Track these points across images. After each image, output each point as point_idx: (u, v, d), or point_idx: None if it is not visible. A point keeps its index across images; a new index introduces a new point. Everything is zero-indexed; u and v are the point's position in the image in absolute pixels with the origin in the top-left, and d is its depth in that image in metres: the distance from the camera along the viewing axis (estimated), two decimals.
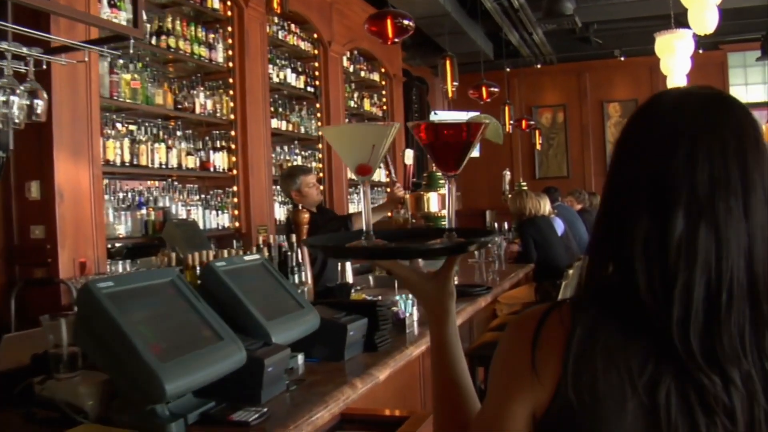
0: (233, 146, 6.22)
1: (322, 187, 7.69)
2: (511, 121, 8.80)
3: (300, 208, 2.59)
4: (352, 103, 8.71)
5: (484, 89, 7.18)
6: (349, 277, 3.96)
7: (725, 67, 12.53)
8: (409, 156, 4.55)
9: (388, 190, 4.51)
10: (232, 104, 6.23)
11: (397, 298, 2.91)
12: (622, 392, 0.93)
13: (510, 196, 6.45)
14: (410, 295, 2.99)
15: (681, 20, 8.84)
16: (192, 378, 1.63)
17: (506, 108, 8.54)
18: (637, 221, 0.97)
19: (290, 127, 7.26)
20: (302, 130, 7.53)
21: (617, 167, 1.03)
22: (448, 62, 5.27)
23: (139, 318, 1.64)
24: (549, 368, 0.97)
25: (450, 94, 5.39)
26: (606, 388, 0.94)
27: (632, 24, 11.58)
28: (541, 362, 0.97)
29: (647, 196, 0.97)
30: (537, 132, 11.82)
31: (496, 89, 7.19)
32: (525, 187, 8.02)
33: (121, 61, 5.09)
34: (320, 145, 7.75)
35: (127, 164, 5.06)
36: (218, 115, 6.11)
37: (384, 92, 9.68)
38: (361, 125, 1.36)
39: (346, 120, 8.43)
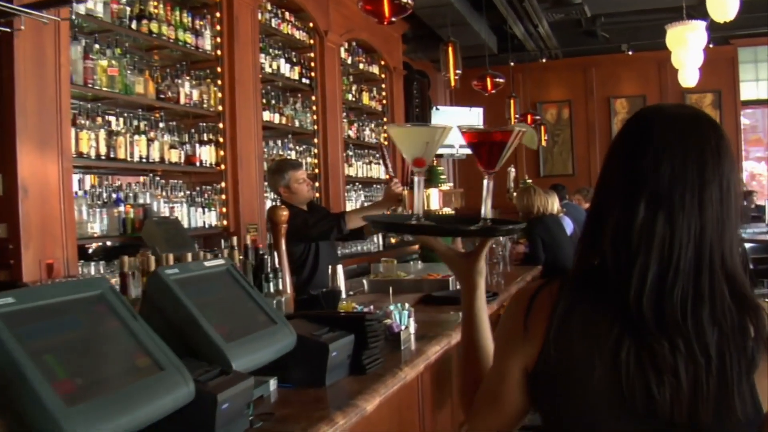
0: (221, 139, 5.83)
1: (317, 184, 7.31)
2: (517, 116, 8.39)
3: (278, 204, 2.25)
4: (349, 96, 8.32)
5: (488, 80, 6.78)
6: (341, 282, 3.58)
7: (735, 63, 12.14)
8: None
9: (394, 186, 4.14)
10: (220, 95, 5.84)
11: (392, 307, 2.53)
12: (592, 352, 1.16)
13: (516, 192, 6.06)
14: (406, 305, 2.62)
15: (692, 13, 8.51)
16: (118, 423, 1.25)
17: (511, 102, 8.13)
18: (611, 212, 1.21)
19: (284, 121, 6.87)
20: (297, 123, 7.14)
21: (603, 168, 1.31)
22: (450, 49, 4.89)
23: (46, 345, 1.26)
24: (538, 330, 1.21)
25: (452, 83, 5.00)
26: (580, 348, 1.18)
27: (640, 17, 11.19)
28: (532, 325, 1.22)
29: (620, 191, 1.21)
30: (542, 128, 11.42)
31: (501, 80, 6.80)
32: (530, 182, 7.65)
33: (97, 46, 4.71)
34: (316, 140, 7.37)
35: (103, 157, 4.68)
36: (205, 106, 5.73)
37: (384, 86, 9.28)
38: (418, 127, 1.98)
39: (343, 114, 8.05)
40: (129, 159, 4.90)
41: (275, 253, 2.35)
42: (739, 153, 12.08)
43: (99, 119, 4.77)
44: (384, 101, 9.26)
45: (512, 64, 10.93)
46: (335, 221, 4.08)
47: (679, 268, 1.14)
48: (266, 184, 6.04)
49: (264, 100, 6.57)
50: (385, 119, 9.25)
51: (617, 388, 1.14)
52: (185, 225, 5.41)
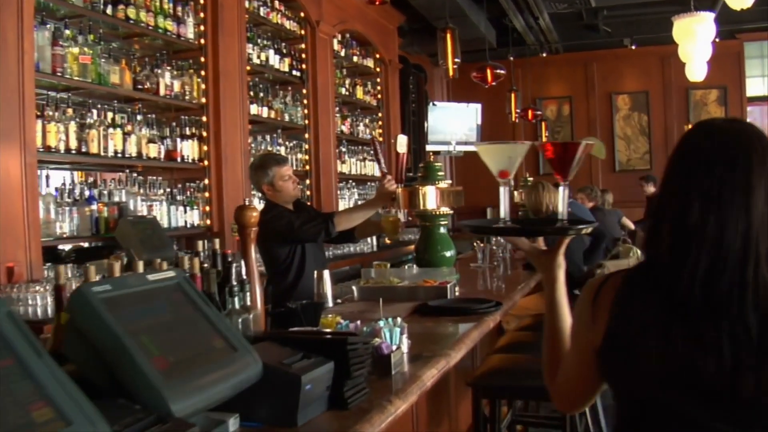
0: (204, 134, 5.49)
1: (308, 181, 6.96)
2: (517, 110, 8.02)
3: (248, 204, 1.93)
4: (343, 90, 7.97)
5: (489, 71, 6.41)
6: (328, 289, 3.24)
7: (741, 58, 11.80)
8: (401, 143, 3.83)
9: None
10: (203, 86, 5.49)
11: (381, 323, 2.18)
12: (647, 333, 1.36)
13: (525, 189, 5.68)
14: (399, 320, 2.27)
15: (698, 5, 8.17)
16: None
17: (512, 96, 7.76)
18: (669, 212, 1.40)
19: (272, 115, 6.52)
20: (287, 117, 6.79)
21: (664, 174, 1.47)
22: (448, 36, 4.54)
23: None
24: (602, 315, 1.43)
25: (451, 73, 4.66)
26: (637, 329, 1.38)
27: (643, 10, 10.86)
28: (598, 311, 1.43)
29: (677, 194, 1.40)
30: (543, 124, 11.08)
31: (502, 71, 6.43)
32: (531, 180, 7.30)
33: (67, 32, 4.36)
34: (307, 135, 7.02)
35: (74, 152, 4.33)
36: (187, 98, 5.38)
37: (379, 80, 8.94)
38: (502, 144, 1.97)
39: (336, 108, 7.71)
40: (102, 154, 4.54)
41: (242, 262, 2.00)
42: None
43: (69, 111, 4.42)
44: (379, 96, 8.92)
45: (512, 58, 10.59)
46: (323, 223, 3.73)
47: (728, 261, 1.31)
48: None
49: (251, 93, 6.23)
50: (380, 114, 8.90)
51: (667, 364, 1.33)
52: (165, 225, 5.07)
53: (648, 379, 1.36)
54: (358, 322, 2.27)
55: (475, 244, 5.73)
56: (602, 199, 8.53)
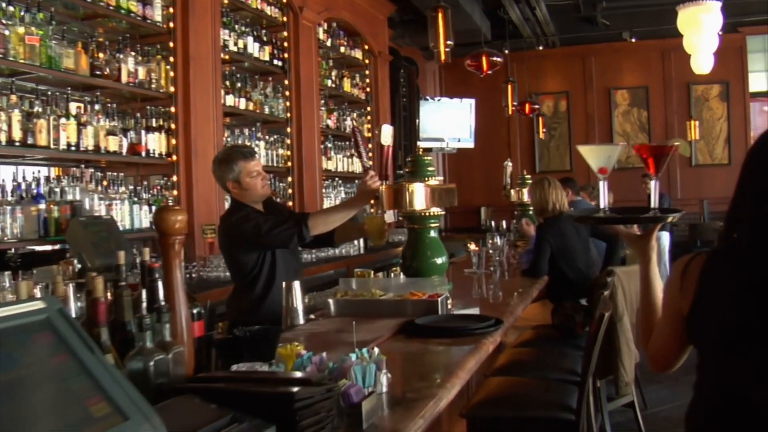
0: (173, 126, 5.00)
1: (290, 179, 6.48)
2: (514, 103, 7.52)
3: (172, 205, 1.53)
4: (329, 82, 7.49)
5: (484, 59, 5.91)
6: (298, 302, 2.77)
7: (744, 52, 11.36)
8: (386, 134, 3.35)
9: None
10: (172, 74, 5.01)
11: (353, 356, 1.70)
12: (726, 302, 1.63)
13: (529, 186, 5.18)
14: (375, 352, 1.80)
15: None
16: None
17: (508, 87, 7.26)
18: (745, 205, 1.64)
19: (251, 106, 6.03)
20: (267, 110, 6.31)
21: (741, 171, 1.69)
22: (440, 15, 4.06)
23: None
24: (690, 288, 1.69)
25: (442, 57, 4.18)
26: (718, 300, 1.64)
27: (643, 2, 10.43)
28: (686, 284, 1.70)
29: (752, 189, 1.64)
30: (540, 119, 10.61)
31: (498, 59, 5.94)
32: (529, 180, 6.84)
33: (11, 8, 3.87)
34: (289, 129, 6.53)
35: (17, 143, 3.84)
36: (153, 86, 4.89)
37: (367, 72, 8.46)
38: (603, 145, 2.26)
39: (321, 101, 7.23)
40: (53, 146, 4.06)
41: (162, 281, 1.52)
42: (748, 148, 11.30)
43: (14, 98, 3.92)
44: (368, 89, 8.44)
45: (507, 51, 10.11)
46: (296, 226, 3.24)
47: None
48: None
49: (227, 83, 5.74)
50: (368, 108, 8.43)
51: (741, 328, 1.60)
52: (127, 226, 4.60)
53: (725, 342, 1.63)
54: (324, 354, 1.79)
55: (470, 245, 5.28)
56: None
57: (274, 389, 1.28)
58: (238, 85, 5.94)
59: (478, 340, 2.43)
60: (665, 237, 9.09)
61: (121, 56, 4.63)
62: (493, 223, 7.49)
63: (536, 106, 9.19)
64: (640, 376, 4.76)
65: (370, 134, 8.37)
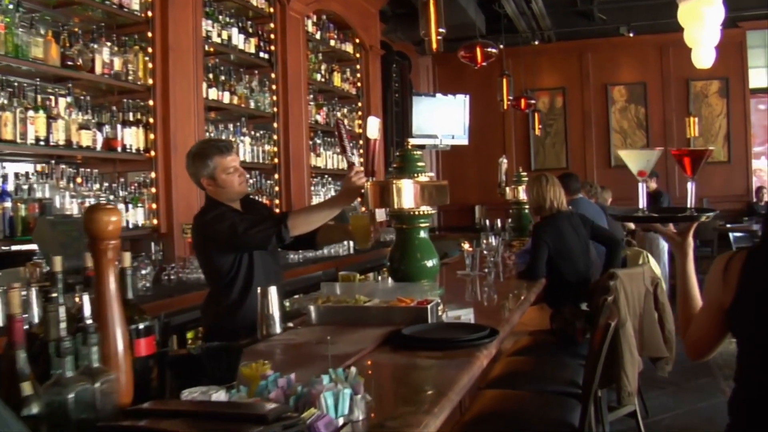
0: (151, 120, 4.75)
1: (276, 176, 6.23)
2: (510, 98, 7.27)
3: (105, 203, 1.33)
4: (318, 77, 7.24)
5: (478, 50, 5.65)
6: (274, 309, 2.53)
7: (744, 48, 11.14)
8: (372, 127, 3.11)
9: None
10: (150, 65, 4.76)
11: (326, 379, 1.47)
12: (765, 295, 1.78)
13: (526, 184, 4.90)
14: (352, 372, 1.56)
15: None
16: None
17: (503, 81, 7.01)
18: None
19: (235, 100, 5.79)
20: (252, 104, 6.06)
21: None
22: (432, 1, 3.82)
23: None
24: (732, 282, 1.83)
25: (434, 46, 3.93)
26: (759, 293, 1.79)
27: None
28: (728, 279, 1.85)
29: None
30: (536, 115, 10.38)
31: (494, 50, 5.68)
32: (525, 178, 6.60)
33: None
34: (276, 124, 6.29)
35: None
36: (131, 78, 4.65)
37: (358, 66, 8.21)
38: (643, 150, 2.47)
39: (310, 95, 6.99)
40: (20, 141, 3.81)
41: (88, 299, 1.28)
42: (748, 144, 11.11)
43: None
44: (359, 84, 8.19)
45: (502, 46, 9.87)
46: (274, 226, 2.99)
47: None
48: None
49: (210, 76, 5.50)
50: (359, 103, 8.18)
51: None
52: None
53: (763, 331, 1.76)
54: (293, 376, 1.55)
55: (463, 245, 5.05)
56: (602, 197, 7.83)
57: (216, 429, 1.03)
58: (222, 78, 5.69)
59: (471, 353, 2.20)
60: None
61: (95, 46, 4.38)
62: (487, 221, 7.26)
63: (532, 102, 8.93)
64: (642, 381, 4.53)
65: (361, 130, 8.14)
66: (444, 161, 12.04)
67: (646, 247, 8.86)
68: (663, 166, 9.92)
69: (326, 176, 7.44)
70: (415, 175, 3.01)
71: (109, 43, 4.49)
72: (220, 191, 3.18)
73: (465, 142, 11.09)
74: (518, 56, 11.20)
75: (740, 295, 1.81)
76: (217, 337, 2.78)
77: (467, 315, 2.96)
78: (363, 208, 3.17)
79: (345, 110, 7.96)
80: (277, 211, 5.81)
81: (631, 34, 10.59)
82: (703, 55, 7.70)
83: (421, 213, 3.05)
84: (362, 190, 3.01)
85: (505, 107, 7.36)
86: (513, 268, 4.62)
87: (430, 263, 3.06)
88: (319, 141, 7.30)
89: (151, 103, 4.75)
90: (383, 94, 8.70)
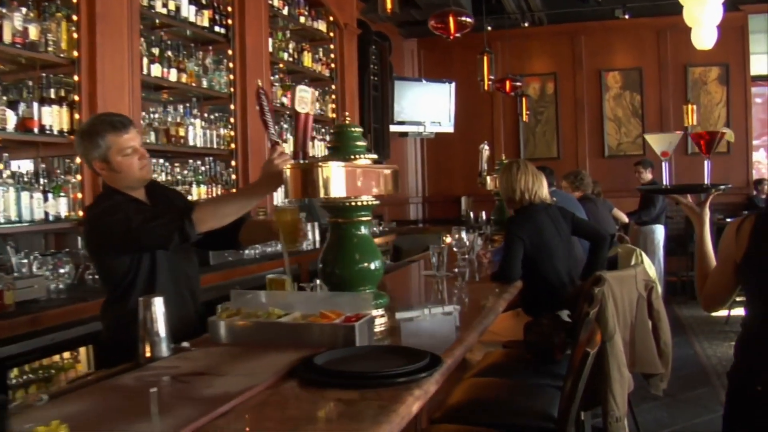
0: (76, 98, 4.16)
1: (234, 163, 5.64)
2: (491, 77, 6.61)
3: None
4: (285, 56, 6.64)
5: (451, 19, 5.01)
6: (160, 326, 1.97)
7: (745, 32, 10.54)
8: (302, 98, 2.52)
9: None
10: (75, 35, 4.16)
11: None
12: None
13: (499, 168, 4.27)
14: None
15: None
16: None
17: (484, 59, 6.33)
18: None
19: (184, 79, 5.19)
20: (205, 83, 5.47)
21: None
22: None
23: None
24: (743, 241, 2.17)
25: (389, 6, 3.32)
26: (765, 248, 2.12)
27: None
28: (740, 239, 2.18)
29: None
30: (524, 100, 9.78)
31: (468, 19, 5.04)
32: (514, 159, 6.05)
33: None
34: (233, 106, 5.69)
35: None
36: (51, 50, 4.05)
37: (332, 46, 7.61)
38: (665, 134, 2.96)
39: (276, 76, 6.41)
40: None
41: None
42: (749, 134, 10.52)
43: None
44: (333, 64, 7.59)
45: (489, 29, 9.29)
46: (176, 221, 2.41)
47: None
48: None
49: (154, 50, 4.90)
50: (333, 86, 7.59)
51: None
52: (13, 217, 3.77)
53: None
54: None
55: (445, 239, 4.50)
56: (593, 188, 7.23)
57: None
58: (168, 53, 5.09)
59: (397, 394, 1.62)
60: (660, 231, 8.29)
61: (4, 10, 3.78)
62: (471, 213, 6.68)
63: (518, 84, 8.32)
64: (634, 393, 3.97)
65: (334, 114, 7.56)
66: (429, 150, 11.45)
67: (640, 242, 8.30)
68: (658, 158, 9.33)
69: None
70: (354, 157, 2.43)
71: (22, 8, 3.90)
72: (116, 176, 2.60)
73: (450, 129, 10.52)
74: (506, 39, 10.62)
75: (749, 250, 2.15)
76: (114, 353, 2.22)
77: (415, 328, 2.37)
78: (287, 201, 2.60)
79: (317, 93, 7.36)
80: None
81: (627, 17, 9.97)
82: (704, 35, 7.12)
83: (361, 204, 2.46)
84: (281, 175, 2.42)
85: (486, 88, 6.74)
86: (489, 267, 4.05)
87: (372, 265, 2.48)
88: (285, 126, 6.71)
89: (76, 78, 4.16)
90: (360, 77, 8.10)
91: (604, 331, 3.05)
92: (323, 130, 7.42)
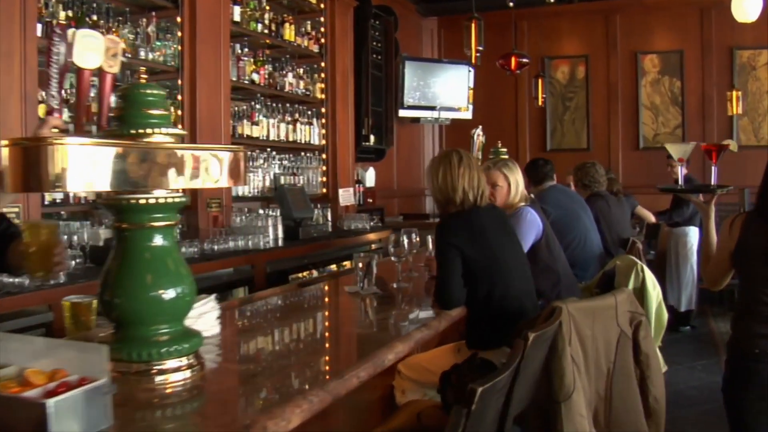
0: None
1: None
2: (480, 48, 5.61)
3: None
4: (259, 27, 5.85)
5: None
6: None
7: None
8: (87, 48, 1.71)
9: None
10: None
11: None
12: (757, 242, 2.59)
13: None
14: None
15: None
16: None
17: (471, 26, 5.38)
18: None
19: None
20: (147, 55, 4.72)
21: None
22: None
23: None
24: (736, 233, 2.66)
25: None
26: (752, 241, 2.61)
27: None
28: (733, 231, 2.68)
29: None
30: (539, 81, 8.84)
31: (526, 60, 4.13)
32: (505, 154, 5.19)
33: None
34: (180, 81, 4.93)
35: None
36: None
37: (322, 19, 6.79)
38: (683, 144, 3.24)
39: (244, 50, 5.63)
40: None
41: None
42: None
43: None
44: (322, 39, 6.78)
45: (511, 4, 8.37)
46: None
47: None
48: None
49: (71, 12, 4.16)
50: (323, 64, 6.78)
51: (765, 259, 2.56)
52: None
53: (756, 268, 2.59)
54: None
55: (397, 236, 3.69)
56: (611, 186, 6.25)
57: None
58: (95, 17, 4.35)
59: None
60: (694, 233, 7.29)
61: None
62: None
63: (524, 60, 7.35)
64: None
65: (323, 95, 6.76)
66: (448, 138, 10.57)
67: (671, 246, 7.32)
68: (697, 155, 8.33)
69: (269, 149, 6.10)
70: (147, 131, 1.63)
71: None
72: None
73: (468, 116, 9.65)
74: (533, 19, 9.70)
75: (740, 242, 2.66)
76: None
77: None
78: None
79: (300, 70, 6.56)
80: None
81: None
82: (748, 6, 6.14)
83: (156, 202, 1.65)
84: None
85: (473, 60, 5.84)
86: (430, 282, 3.20)
87: (170, 293, 1.67)
88: (258, 106, 5.94)
89: None
90: (356, 55, 7.28)
91: (559, 386, 2.20)
92: (309, 113, 6.63)
